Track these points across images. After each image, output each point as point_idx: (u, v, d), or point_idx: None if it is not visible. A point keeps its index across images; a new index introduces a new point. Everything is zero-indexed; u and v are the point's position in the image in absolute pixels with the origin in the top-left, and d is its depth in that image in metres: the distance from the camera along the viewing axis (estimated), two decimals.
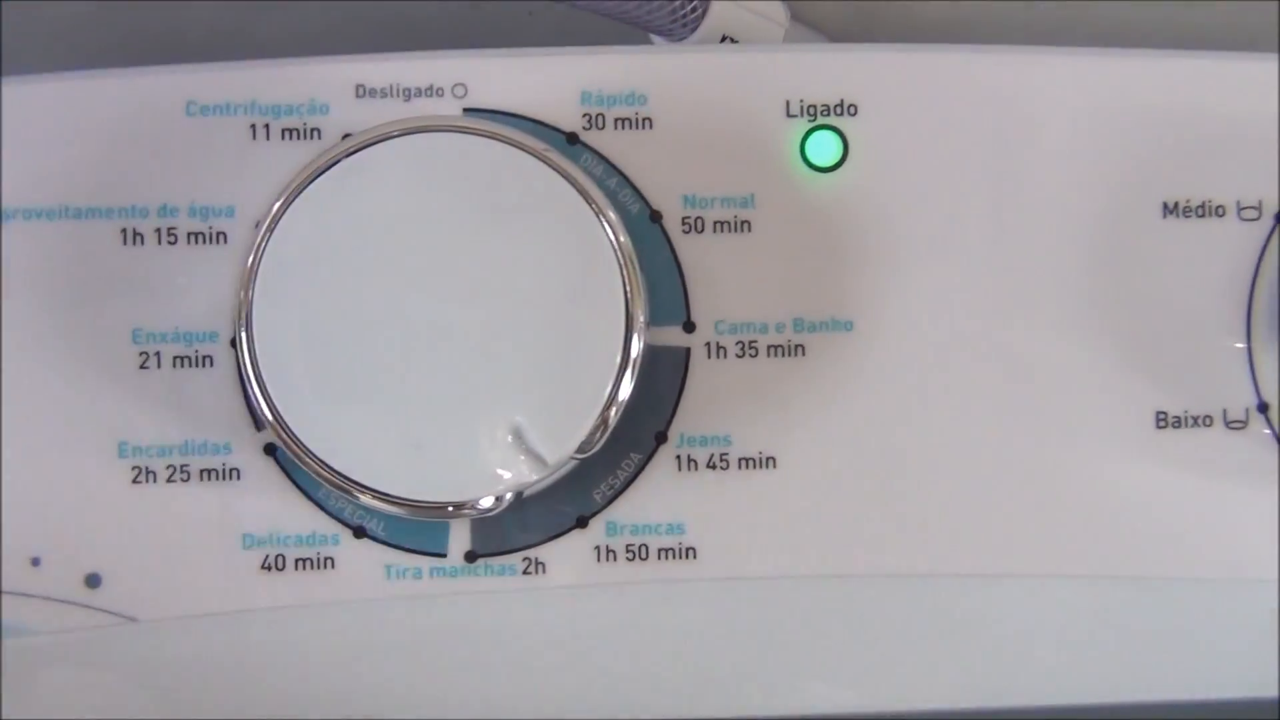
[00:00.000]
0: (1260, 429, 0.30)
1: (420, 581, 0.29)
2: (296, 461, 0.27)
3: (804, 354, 0.30)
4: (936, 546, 0.30)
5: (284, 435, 0.27)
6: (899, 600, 0.30)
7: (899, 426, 0.30)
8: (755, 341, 0.30)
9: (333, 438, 0.27)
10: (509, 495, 0.27)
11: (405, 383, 0.27)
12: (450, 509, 0.27)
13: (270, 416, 0.27)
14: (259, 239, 0.27)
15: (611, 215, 0.28)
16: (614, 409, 0.27)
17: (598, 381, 0.27)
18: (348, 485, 0.27)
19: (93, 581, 0.29)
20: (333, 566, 0.29)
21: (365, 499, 0.27)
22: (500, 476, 0.27)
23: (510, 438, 0.27)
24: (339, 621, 0.29)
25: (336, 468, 0.27)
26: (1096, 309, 0.30)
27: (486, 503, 0.27)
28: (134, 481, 0.29)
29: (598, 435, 0.27)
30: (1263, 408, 0.30)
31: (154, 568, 0.29)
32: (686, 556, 0.29)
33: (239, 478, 0.29)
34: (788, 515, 0.30)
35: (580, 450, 0.27)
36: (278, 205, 0.27)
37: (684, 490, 0.30)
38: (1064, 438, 0.30)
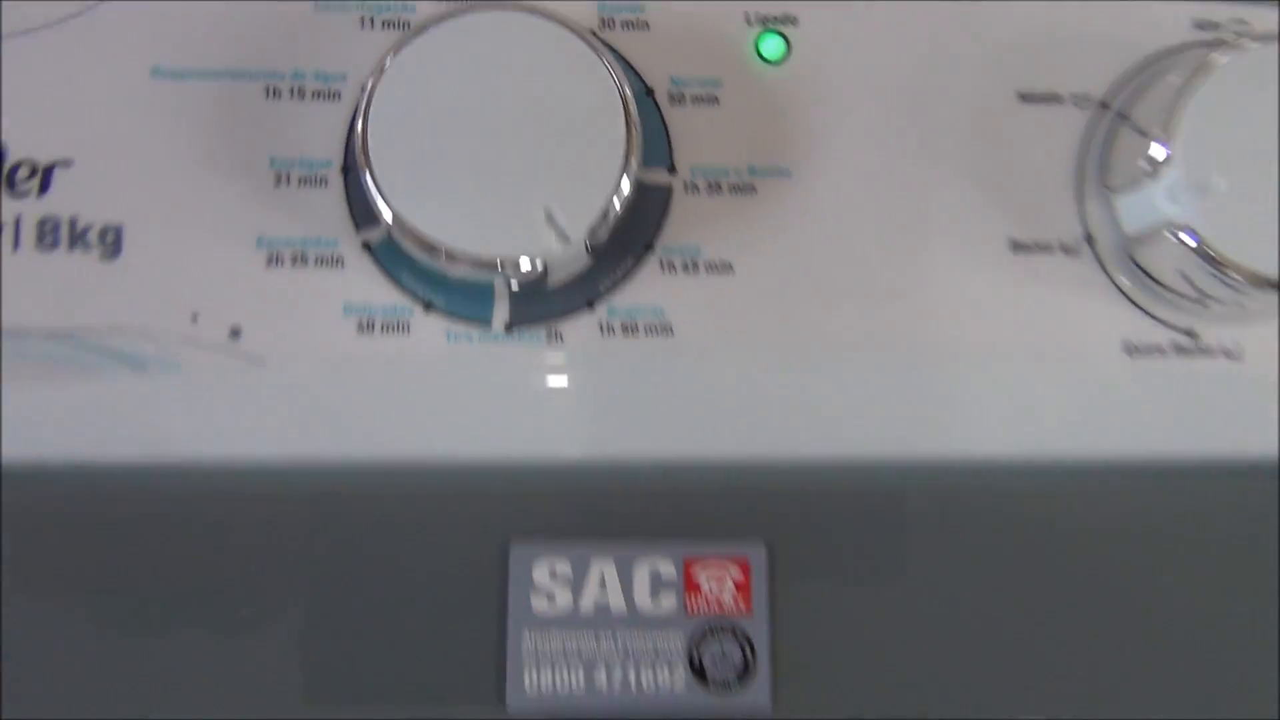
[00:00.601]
0: (1087, 254, 0.41)
1: (472, 344, 0.39)
2: (401, 234, 0.36)
3: (755, 192, 0.40)
4: (855, 330, 0.39)
5: (396, 218, 0.36)
6: (838, 364, 0.39)
7: (825, 244, 0.40)
8: (719, 182, 0.40)
9: (425, 217, 0.36)
10: (540, 264, 0.37)
11: (474, 180, 0.36)
12: (500, 264, 0.37)
13: (387, 208, 0.36)
14: (369, 87, 0.38)
15: (627, 90, 0.38)
16: (613, 212, 0.37)
17: (606, 194, 0.37)
18: (435, 245, 0.36)
19: (235, 334, 0.39)
20: (408, 331, 0.39)
21: (443, 258, 0.37)
22: (536, 242, 0.37)
23: (544, 217, 0.37)
24: (411, 372, 0.40)
25: (428, 235, 0.36)
26: (973, 166, 0.40)
27: (525, 265, 0.37)
28: (268, 264, 0.38)
29: (601, 230, 0.37)
30: (1089, 239, 0.41)
31: (280, 325, 0.38)
32: (666, 333, 0.40)
33: (343, 265, 0.39)
34: (741, 305, 0.39)
35: (591, 239, 0.38)
36: (382, 65, 0.38)
37: (665, 285, 0.39)
38: (949, 253, 0.40)
